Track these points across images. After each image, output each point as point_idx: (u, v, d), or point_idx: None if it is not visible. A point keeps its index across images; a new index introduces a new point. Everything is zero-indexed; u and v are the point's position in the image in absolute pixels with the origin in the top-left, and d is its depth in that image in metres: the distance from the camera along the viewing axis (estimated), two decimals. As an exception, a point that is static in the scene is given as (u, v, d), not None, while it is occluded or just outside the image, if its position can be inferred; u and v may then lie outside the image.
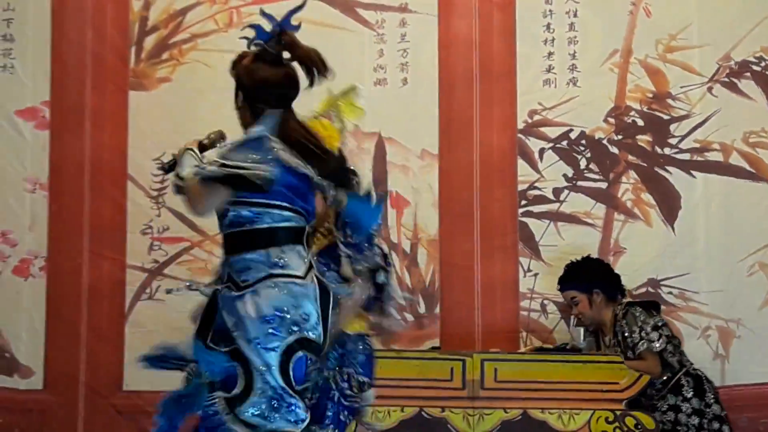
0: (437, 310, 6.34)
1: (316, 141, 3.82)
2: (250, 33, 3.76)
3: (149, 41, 6.58)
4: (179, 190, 3.78)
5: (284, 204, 3.73)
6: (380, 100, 6.46)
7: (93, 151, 6.49)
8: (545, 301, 6.29)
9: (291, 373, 3.64)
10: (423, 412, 5.24)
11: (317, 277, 3.78)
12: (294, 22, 3.75)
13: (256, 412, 3.61)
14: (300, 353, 3.67)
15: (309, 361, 3.72)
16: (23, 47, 6.55)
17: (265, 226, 3.72)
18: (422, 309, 6.36)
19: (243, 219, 3.72)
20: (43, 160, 6.50)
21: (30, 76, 6.54)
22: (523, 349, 6.05)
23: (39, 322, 6.43)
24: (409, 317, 6.35)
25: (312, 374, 3.81)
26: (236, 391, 3.67)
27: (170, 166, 3.81)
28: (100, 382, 6.27)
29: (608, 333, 5.79)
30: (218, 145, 3.81)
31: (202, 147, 3.84)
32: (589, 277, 5.81)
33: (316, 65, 3.79)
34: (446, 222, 6.39)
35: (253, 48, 3.78)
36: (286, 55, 3.77)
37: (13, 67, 6.56)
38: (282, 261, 3.71)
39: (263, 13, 3.77)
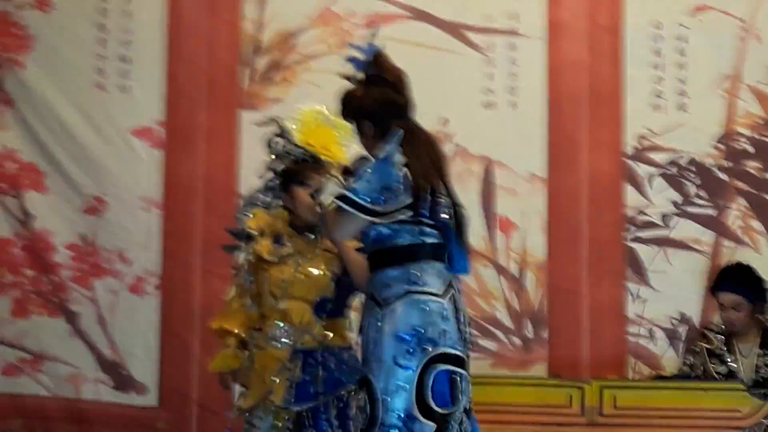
0: (545, 334, 6.35)
1: (438, 145, 3.99)
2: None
3: (261, 62, 6.66)
4: (322, 217, 3.86)
5: (423, 219, 3.78)
6: (489, 123, 6.50)
7: (205, 170, 6.59)
8: (653, 328, 6.28)
9: (429, 392, 3.67)
10: (541, 438, 5.26)
11: (455, 296, 3.82)
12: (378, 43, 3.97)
13: None
14: (440, 368, 3.69)
15: (456, 377, 3.73)
16: (140, 69, 6.66)
17: (405, 243, 3.78)
18: (530, 333, 6.38)
19: (383, 236, 3.79)
20: (157, 179, 6.61)
21: (145, 96, 6.65)
22: (636, 377, 6.04)
23: (153, 339, 6.54)
24: (517, 342, 6.37)
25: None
26: (361, 425, 3.72)
27: (316, 194, 3.90)
28: (213, 399, 6.34)
29: (750, 344, 5.76)
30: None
31: (347, 171, 3.92)
32: (758, 285, 5.80)
33: (405, 86, 3.96)
34: (554, 246, 6.41)
35: (357, 78, 3.94)
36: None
37: (129, 88, 6.67)
38: (420, 278, 3.76)
39: (352, 46, 3.99)
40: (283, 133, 4.52)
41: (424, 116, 6.45)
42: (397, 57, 6.33)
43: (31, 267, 6.63)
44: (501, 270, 6.42)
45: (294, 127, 4.51)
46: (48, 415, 6.55)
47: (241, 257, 4.47)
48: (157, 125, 6.64)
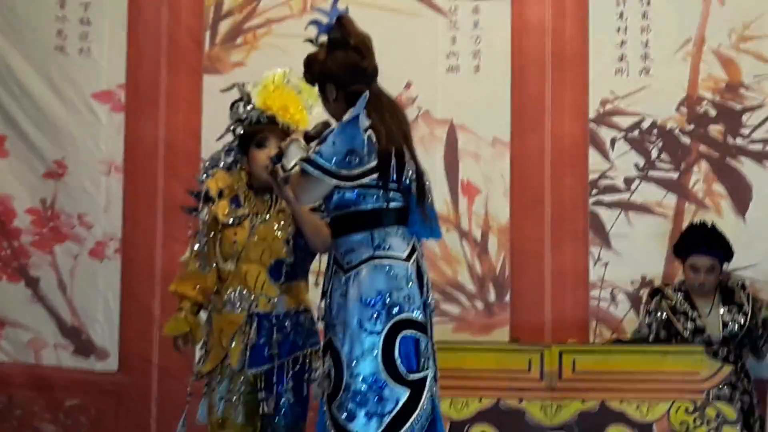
0: (507, 298, 6.36)
1: (401, 109, 3.96)
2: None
3: (224, 25, 6.61)
4: (286, 181, 3.83)
5: (388, 184, 3.76)
6: (452, 87, 6.49)
7: (167, 134, 6.55)
8: (615, 291, 6.30)
9: (397, 355, 3.67)
10: (500, 403, 5.26)
11: (418, 260, 3.81)
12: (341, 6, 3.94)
13: (343, 414, 3.65)
14: (406, 333, 3.69)
15: (420, 342, 3.73)
16: (99, 31, 6.59)
17: (369, 207, 3.76)
18: (492, 297, 6.39)
19: (347, 201, 3.77)
20: (118, 143, 6.56)
21: (106, 59, 6.59)
22: (598, 341, 6.08)
23: (114, 303, 6.52)
24: (480, 306, 6.39)
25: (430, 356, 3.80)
26: (327, 390, 3.71)
27: (278, 157, 3.88)
28: (174, 363, 6.33)
29: (708, 301, 5.81)
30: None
31: (308, 137, 3.90)
32: (727, 245, 5.86)
33: (369, 51, 3.92)
34: (517, 210, 6.41)
35: (320, 41, 3.91)
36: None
37: (90, 50, 6.60)
38: (385, 242, 3.75)
39: (316, 10, 3.97)
40: (243, 97, 4.50)
41: (388, 80, 6.42)
42: (360, 20, 6.32)
43: (-9, 232, 6.61)
44: (464, 234, 6.42)
45: (254, 90, 4.48)
46: (8, 381, 6.53)
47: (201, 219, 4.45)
48: (118, 88, 6.59)
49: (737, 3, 6.39)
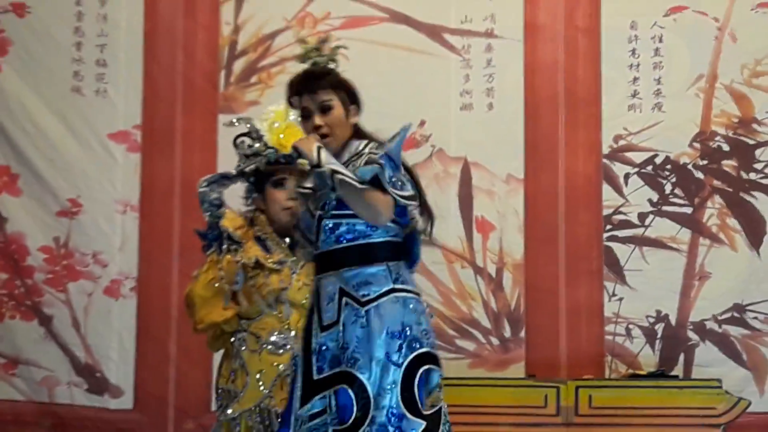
0: (522, 334, 6.36)
1: None
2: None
3: (238, 65, 6.67)
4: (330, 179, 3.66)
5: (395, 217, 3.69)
6: (466, 125, 6.53)
7: (183, 173, 6.57)
8: (630, 326, 6.29)
9: (416, 388, 3.60)
10: (517, 438, 5.26)
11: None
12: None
13: None
14: (425, 366, 3.63)
15: (436, 376, 3.67)
16: (115, 72, 6.65)
17: (381, 239, 3.72)
18: (507, 333, 6.38)
19: (358, 233, 3.69)
20: (134, 183, 6.60)
21: (122, 100, 6.64)
22: (614, 375, 6.06)
23: (129, 342, 6.52)
24: (495, 342, 6.38)
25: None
26: (348, 423, 3.67)
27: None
28: (189, 402, 6.34)
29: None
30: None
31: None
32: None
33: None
34: (531, 246, 6.41)
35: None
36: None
37: (106, 91, 6.64)
38: (401, 276, 3.70)
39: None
40: (252, 133, 4.40)
41: (402, 118, 6.46)
42: (374, 58, 6.50)
43: (4, 270, 6.60)
44: (479, 270, 6.42)
45: (263, 125, 4.38)
46: (22, 419, 6.52)
47: (222, 253, 4.34)
48: (134, 129, 6.63)
49: (749, 39, 6.42)
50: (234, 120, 4.48)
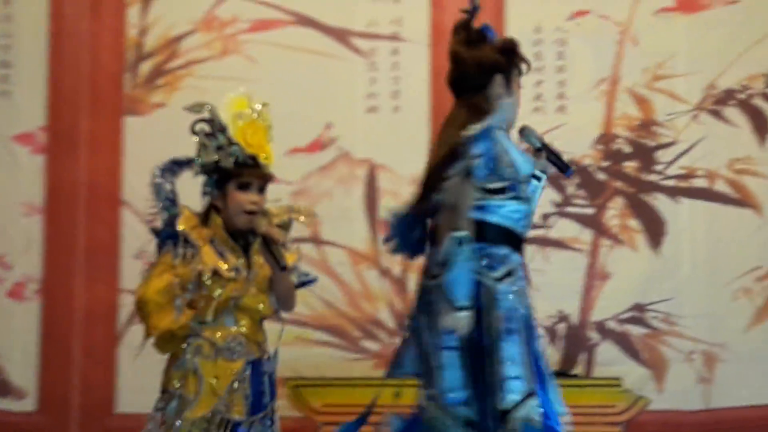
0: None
1: None
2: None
3: (145, 67, 6.66)
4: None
5: None
6: (372, 127, 6.57)
7: (88, 176, 6.55)
8: (533, 326, 6.35)
9: None
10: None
11: None
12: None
13: None
14: None
15: None
16: (20, 73, 6.62)
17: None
18: (413, 333, 6.42)
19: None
20: (38, 185, 6.56)
21: (26, 101, 6.61)
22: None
23: (32, 344, 6.47)
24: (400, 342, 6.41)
25: None
26: None
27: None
28: (93, 404, 6.31)
29: None
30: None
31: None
32: None
33: None
34: (436, 247, 6.45)
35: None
36: None
37: (10, 93, 6.62)
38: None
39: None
40: (215, 123, 4.08)
41: (308, 121, 6.55)
42: (281, 61, 6.53)
43: None
44: (384, 272, 6.47)
45: (228, 117, 4.06)
46: None
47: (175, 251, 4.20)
48: (38, 130, 6.60)
49: (650, 44, 6.53)
50: (195, 105, 4.11)
